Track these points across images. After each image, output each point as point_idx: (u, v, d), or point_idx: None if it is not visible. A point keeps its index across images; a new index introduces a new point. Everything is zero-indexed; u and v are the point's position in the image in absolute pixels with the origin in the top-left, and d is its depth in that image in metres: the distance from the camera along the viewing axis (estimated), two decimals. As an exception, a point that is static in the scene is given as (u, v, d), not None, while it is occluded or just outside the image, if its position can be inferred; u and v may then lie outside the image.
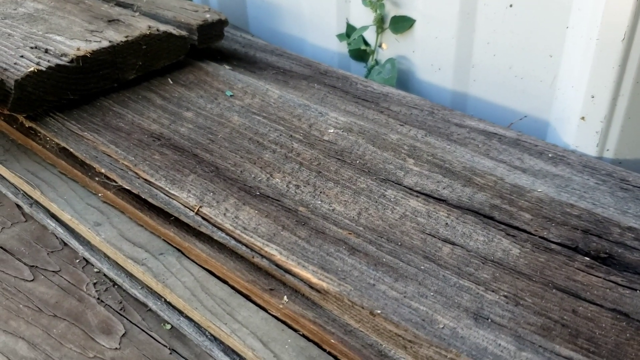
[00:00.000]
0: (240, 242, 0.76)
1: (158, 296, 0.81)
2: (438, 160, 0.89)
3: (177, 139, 0.93)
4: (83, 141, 0.94)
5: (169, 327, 0.80)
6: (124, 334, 0.79)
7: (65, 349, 0.77)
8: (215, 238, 0.78)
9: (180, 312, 0.78)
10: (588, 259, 0.72)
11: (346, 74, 1.13)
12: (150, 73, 1.11)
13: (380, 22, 1.18)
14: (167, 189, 0.83)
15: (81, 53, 1.00)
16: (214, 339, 0.75)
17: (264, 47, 1.26)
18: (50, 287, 0.86)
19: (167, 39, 1.10)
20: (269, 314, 0.73)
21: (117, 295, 0.85)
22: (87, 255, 0.90)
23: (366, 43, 1.23)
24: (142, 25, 1.11)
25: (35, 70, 0.94)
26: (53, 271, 0.89)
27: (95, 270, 0.89)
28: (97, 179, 0.91)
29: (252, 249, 0.75)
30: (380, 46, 1.21)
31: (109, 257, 0.87)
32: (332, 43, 1.31)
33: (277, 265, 0.73)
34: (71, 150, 0.93)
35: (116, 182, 0.88)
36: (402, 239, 0.75)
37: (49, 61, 0.97)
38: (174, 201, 0.82)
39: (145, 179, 0.85)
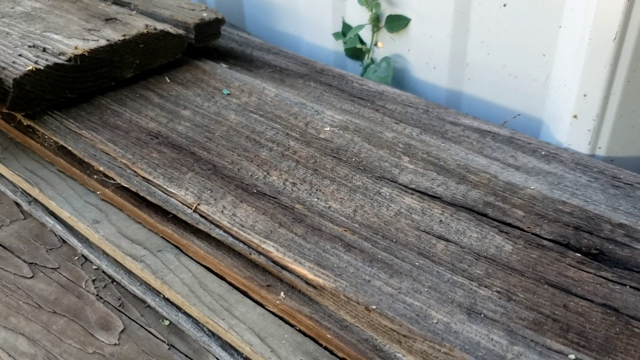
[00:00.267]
0: (237, 239, 0.77)
1: (156, 292, 0.82)
2: (433, 158, 0.90)
3: (175, 137, 0.94)
4: (81, 139, 0.95)
5: (167, 323, 0.81)
6: (122, 330, 0.80)
7: (65, 345, 0.78)
8: (213, 235, 0.79)
9: (179, 308, 0.79)
10: (579, 255, 0.73)
11: (342, 73, 1.14)
12: (148, 71, 1.11)
13: (375, 21, 1.19)
14: (165, 186, 0.84)
15: (79, 52, 1.00)
16: (212, 335, 0.76)
17: (260, 46, 1.27)
18: (50, 284, 0.87)
19: (164, 37, 1.11)
20: (266, 309, 0.74)
21: (115, 291, 0.86)
22: (85, 252, 0.91)
23: (362, 42, 1.24)
24: (139, 24, 1.11)
25: (34, 69, 0.95)
26: (52, 268, 0.90)
27: (94, 267, 0.90)
28: (95, 176, 0.92)
29: (249, 246, 0.76)
30: (375, 45, 1.22)
31: (107, 254, 0.88)
32: (328, 42, 1.32)
33: (274, 262, 0.74)
34: (69, 148, 0.94)
35: (114, 180, 0.88)
36: (397, 235, 0.76)
37: (47, 60, 0.97)
38: (172, 199, 0.83)
39: (144, 177, 0.86)
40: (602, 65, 0.87)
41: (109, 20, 1.14)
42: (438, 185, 0.84)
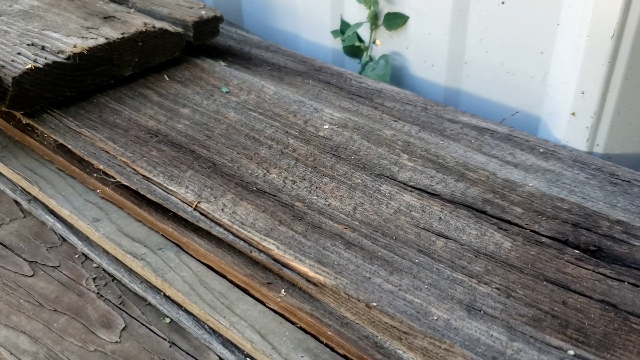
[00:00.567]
0: (238, 237, 0.77)
1: (157, 290, 0.82)
2: (431, 156, 0.90)
3: (174, 135, 0.95)
4: (81, 138, 0.95)
5: (168, 320, 0.81)
6: (124, 328, 0.80)
7: (66, 343, 0.79)
8: (213, 233, 0.79)
9: (180, 306, 0.79)
10: (578, 251, 0.74)
11: (340, 70, 1.15)
12: (146, 70, 1.12)
13: (374, 19, 1.19)
14: (165, 184, 0.84)
15: (78, 50, 1.00)
16: (213, 332, 0.76)
17: (258, 44, 1.27)
18: (50, 282, 0.88)
19: (162, 35, 1.11)
20: (267, 307, 0.74)
21: (116, 289, 0.86)
22: (86, 250, 0.91)
23: (360, 39, 1.24)
24: (137, 22, 1.12)
25: (33, 68, 0.95)
26: (52, 266, 0.90)
27: (95, 265, 0.90)
28: (95, 175, 0.92)
29: (249, 244, 0.76)
30: (374, 42, 1.22)
31: (108, 253, 0.88)
32: (326, 39, 1.32)
33: (275, 260, 0.74)
34: (69, 146, 0.94)
35: (114, 179, 0.89)
36: (397, 233, 0.77)
37: (46, 58, 0.97)
38: (172, 197, 0.83)
39: (144, 175, 0.87)
40: (600, 63, 0.88)
41: (107, 18, 1.14)
42: (437, 183, 0.85)
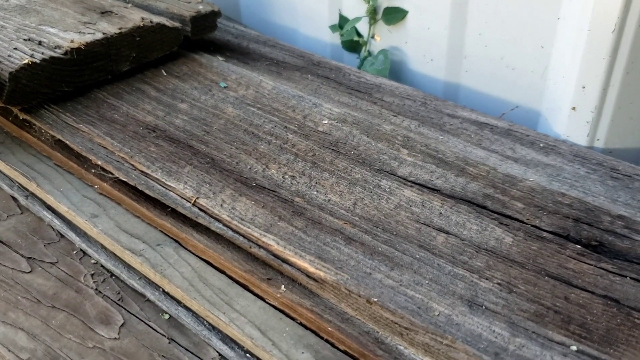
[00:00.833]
0: (237, 232, 0.77)
1: (156, 286, 0.81)
2: (431, 151, 0.90)
3: (173, 130, 0.94)
4: (78, 133, 0.94)
5: (167, 317, 0.81)
6: (122, 324, 0.80)
7: (64, 340, 0.78)
8: (212, 229, 0.79)
9: (179, 302, 0.79)
10: (579, 247, 0.73)
11: (339, 65, 1.14)
12: (144, 65, 1.11)
13: (372, 14, 1.19)
14: (163, 180, 0.84)
15: (75, 45, 1.00)
16: (213, 328, 0.76)
17: (256, 38, 1.26)
18: (48, 278, 0.87)
19: (160, 30, 1.10)
20: (267, 303, 0.74)
21: (115, 286, 0.85)
22: (84, 246, 0.90)
23: (359, 34, 1.23)
24: (135, 17, 1.11)
25: (30, 63, 0.94)
26: (50, 263, 0.90)
27: (93, 261, 0.90)
28: (93, 171, 0.92)
29: (249, 240, 0.76)
30: (373, 37, 1.22)
31: (106, 249, 0.88)
32: (324, 34, 1.31)
33: (275, 255, 0.74)
34: (67, 142, 0.94)
35: (112, 174, 0.88)
36: (397, 228, 0.76)
37: (43, 53, 0.97)
38: (171, 192, 0.83)
39: (142, 171, 0.86)
40: (601, 57, 0.87)
41: (104, 13, 1.13)
42: (437, 178, 0.84)
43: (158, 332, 0.79)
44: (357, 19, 1.21)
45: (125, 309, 0.82)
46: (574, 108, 0.94)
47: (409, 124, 0.96)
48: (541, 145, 0.91)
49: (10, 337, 0.79)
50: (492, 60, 1.06)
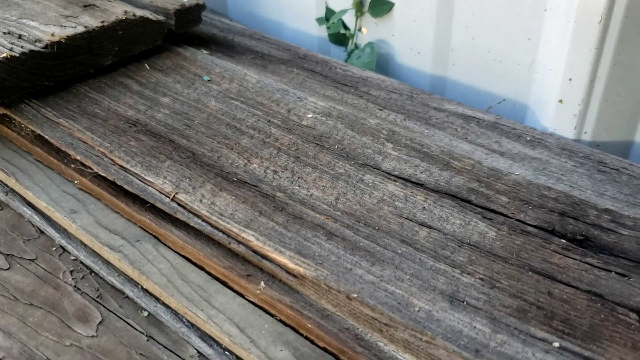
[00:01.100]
0: (216, 228, 0.75)
1: (135, 283, 0.80)
2: (416, 145, 0.88)
3: (154, 124, 0.92)
4: (59, 128, 0.93)
5: (146, 314, 0.79)
6: (100, 322, 0.78)
7: (41, 338, 0.77)
8: (191, 224, 0.77)
9: (157, 299, 0.78)
10: (564, 241, 0.72)
11: (325, 58, 1.12)
12: (127, 58, 1.09)
13: (359, 6, 1.17)
14: (142, 175, 0.82)
15: (56, 39, 0.98)
16: (191, 326, 0.75)
17: (242, 32, 1.25)
18: (27, 275, 0.85)
19: (143, 24, 1.08)
20: (246, 299, 0.73)
21: (94, 282, 0.84)
22: (63, 243, 0.89)
23: (345, 27, 1.22)
24: (118, 10, 1.09)
25: (8, 57, 0.92)
26: (29, 259, 0.88)
27: (72, 258, 0.88)
28: (73, 166, 0.90)
29: (228, 235, 0.74)
30: (359, 30, 1.20)
31: (85, 245, 0.86)
32: (311, 27, 1.30)
33: (254, 251, 0.72)
34: (46, 137, 0.92)
35: (92, 169, 0.86)
36: (380, 223, 0.75)
37: (22, 47, 0.95)
38: (150, 187, 0.81)
39: (121, 166, 0.84)
40: (587, 49, 0.86)
41: (87, 6, 1.12)
42: (421, 172, 0.83)
43: (136, 329, 0.77)
44: (344, 12, 1.19)
45: (103, 306, 0.80)
46: (560, 101, 0.93)
47: (395, 118, 0.95)
48: (528, 138, 0.90)
49: (-14, 336, 0.77)
50: (479, 53, 1.04)
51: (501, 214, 0.76)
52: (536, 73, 0.98)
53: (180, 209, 0.78)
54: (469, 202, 0.78)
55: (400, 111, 0.97)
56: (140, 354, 0.74)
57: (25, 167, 0.95)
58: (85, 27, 1.03)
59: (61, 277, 0.85)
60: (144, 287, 0.78)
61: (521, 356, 0.59)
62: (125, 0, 1.17)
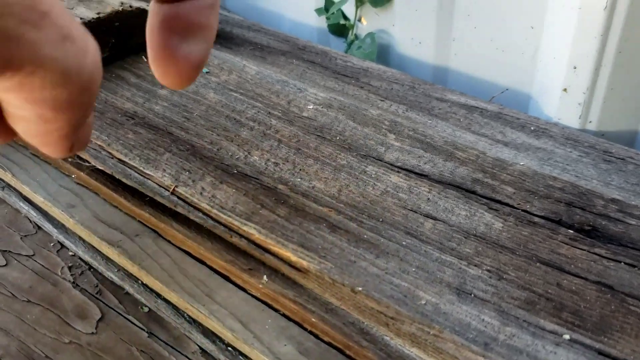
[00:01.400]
0: (217, 221, 0.74)
1: (135, 279, 0.79)
2: (419, 135, 0.87)
3: (152, 117, 0.91)
4: (54, 121, 0.91)
5: (146, 309, 0.78)
6: (100, 318, 0.77)
7: (39, 335, 0.75)
8: (191, 218, 0.76)
9: (158, 295, 0.76)
10: (572, 231, 0.71)
11: (325, 49, 1.11)
12: (124, 51, 1.07)
13: (359, -4, 1.16)
14: (141, 168, 0.81)
15: (50, 30, 0.96)
16: (193, 321, 0.73)
17: (240, 23, 1.23)
18: (24, 271, 0.84)
19: (140, 15, 1.06)
20: (249, 294, 0.71)
21: (92, 278, 0.83)
22: (61, 238, 0.87)
23: (345, 17, 1.20)
24: (114, 2, 1.07)
25: (3, 49, 0.91)
26: (27, 255, 0.87)
27: (70, 253, 0.87)
28: (69, 159, 0.89)
29: (230, 229, 0.73)
30: (359, 20, 1.19)
31: (83, 240, 0.85)
32: (310, 18, 1.28)
33: (256, 245, 0.71)
34: (42, 131, 0.90)
35: (89, 163, 0.85)
36: (384, 215, 0.73)
37: (16, 39, 0.93)
38: (149, 181, 0.80)
39: (119, 159, 0.83)
40: (592, 36, 0.85)
41: (82, -2, 1.10)
42: (425, 163, 0.81)
43: (137, 325, 0.76)
44: (343, 2, 1.17)
45: (103, 302, 0.79)
46: (565, 89, 0.92)
47: (397, 109, 0.93)
48: (532, 128, 0.88)
49: (-16, 333, 0.76)
50: (481, 42, 1.03)
51: (507, 204, 0.75)
52: (540, 62, 0.97)
53: (180, 202, 0.77)
54: (474, 192, 0.77)
55: (402, 102, 0.95)
56: (141, 350, 0.73)
57: (22, 161, 0.94)
58: (80, 18, 1.01)
59: (59, 273, 0.84)
60: (144, 283, 0.77)
61: (531, 349, 0.58)
62: (121, -8, 1.15)
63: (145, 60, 1.06)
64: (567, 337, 0.59)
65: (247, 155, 0.83)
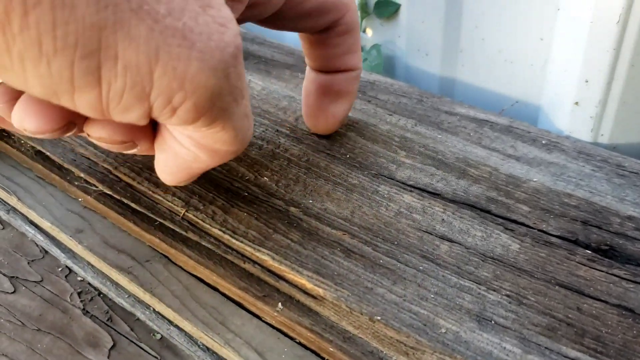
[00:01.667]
0: (230, 247, 0.73)
1: (146, 305, 0.77)
2: (430, 152, 0.86)
3: (159, 138, 0.89)
4: (59, 143, 0.90)
5: (159, 337, 0.77)
6: (112, 347, 0.76)
7: (51, 365, 0.74)
8: (203, 243, 0.75)
9: (170, 322, 0.75)
10: (589, 252, 0.70)
11: (330, 62, 1.10)
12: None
13: (364, 7, 1.14)
14: (150, 192, 0.80)
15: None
16: (207, 349, 0.72)
17: (243, 36, 1.22)
18: (33, 298, 0.83)
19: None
20: (264, 322, 0.70)
21: (103, 304, 0.82)
22: (69, 263, 0.86)
23: (349, 29, 1.19)
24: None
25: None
26: (35, 281, 0.85)
27: (79, 278, 0.86)
28: (76, 183, 0.88)
29: (242, 255, 0.72)
30: (364, 32, 1.18)
31: (93, 265, 0.83)
32: (314, 29, 1.27)
33: (270, 271, 0.70)
34: (47, 153, 0.89)
35: (97, 187, 0.84)
36: (399, 237, 0.72)
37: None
38: (159, 205, 0.79)
39: (127, 183, 0.82)
40: (604, 50, 0.84)
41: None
42: (438, 181, 0.80)
43: (150, 353, 0.75)
44: (348, 13, 1.16)
45: (114, 330, 0.78)
46: (577, 103, 0.91)
47: (405, 123, 0.92)
48: (543, 142, 0.88)
49: (-6, 364, 0.75)
50: (489, 54, 1.02)
51: (523, 224, 0.74)
52: (550, 74, 0.96)
53: (191, 227, 0.76)
54: (489, 212, 0.76)
55: (410, 116, 0.94)
56: (155, 379, 0.72)
57: (27, 184, 0.93)
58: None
59: (69, 300, 0.83)
60: (156, 310, 0.76)
61: (555, 379, 0.57)
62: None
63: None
64: (590, 365, 0.58)
65: (257, 176, 0.82)
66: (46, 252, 0.89)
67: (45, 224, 0.86)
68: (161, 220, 0.78)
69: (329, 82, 0.77)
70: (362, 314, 0.64)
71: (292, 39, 1.33)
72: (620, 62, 0.84)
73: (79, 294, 0.83)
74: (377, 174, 0.83)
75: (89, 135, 0.52)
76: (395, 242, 0.72)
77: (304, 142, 0.89)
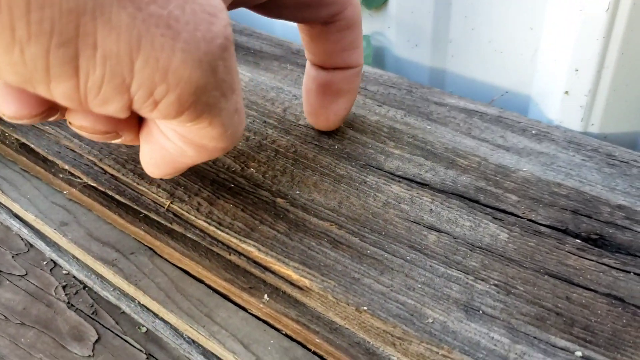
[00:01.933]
0: (215, 239, 0.72)
1: (131, 298, 0.76)
2: (419, 142, 0.85)
3: (145, 129, 0.88)
4: (44, 136, 0.89)
5: (144, 330, 0.76)
6: (97, 340, 0.75)
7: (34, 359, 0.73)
8: (188, 235, 0.74)
9: (156, 315, 0.74)
10: (579, 241, 0.69)
11: (319, 54, 1.08)
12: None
13: (352, -2, 1.13)
14: (135, 184, 0.79)
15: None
16: (192, 342, 0.71)
17: (232, 27, 1.20)
18: (17, 292, 0.82)
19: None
20: (249, 313, 0.69)
21: (88, 298, 0.80)
22: (54, 256, 0.85)
23: (339, 20, 1.18)
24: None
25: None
26: (19, 275, 0.84)
27: (64, 272, 0.85)
28: (61, 175, 0.86)
29: (228, 246, 0.71)
30: (353, 23, 1.16)
31: (78, 259, 0.82)
32: (303, 21, 1.26)
33: (256, 262, 0.69)
34: (32, 145, 0.88)
35: (81, 179, 0.83)
36: (386, 227, 0.71)
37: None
38: (143, 197, 0.78)
39: (112, 175, 0.81)
40: (594, 38, 0.83)
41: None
42: (426, 171, 0.80)
43: (135, 347, 0.74)
44: (337, 4, 1.15)
45: (99, 323, 0.77)
46: (566, 92, 0.90)
47: (395, 114, 0.91)
48: (533, 132, 0.87)
49: (-23, 359, 0.74)
50: (479, 44, 1.01)
51: (512, 213, 0.73)
52: (539, 64, 0.95)
53: (176, 218, 0.75)
54: (477, 202, 0.75)
55: (399, 107, 0.93)
56: (140, 373, 0.71)
57: (11, 177, 0.91)
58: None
59: (53, 294, 0.81)
60: (141, 302, 0.75)
61: (543, 368, 0.56)
62: None
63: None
64: (579, 354, 0.57)
65: (244, 167, 0.81)
66: (31, 245, 0.88)
67: (30, 217, 0.85)
68: (146, 212, 0.77)
69: (329, 79, 0.75)
70: (348, 305, 0.63)
71: (281, 31, 1.32)
72: (610, 51, 0.83)
73: (64, 287, 0.82)
74: (366, 164, 0.82)
75: (70, 123, 0.50)
76: (383, 233, 0.71)
77: (292, 133, 0.88)
